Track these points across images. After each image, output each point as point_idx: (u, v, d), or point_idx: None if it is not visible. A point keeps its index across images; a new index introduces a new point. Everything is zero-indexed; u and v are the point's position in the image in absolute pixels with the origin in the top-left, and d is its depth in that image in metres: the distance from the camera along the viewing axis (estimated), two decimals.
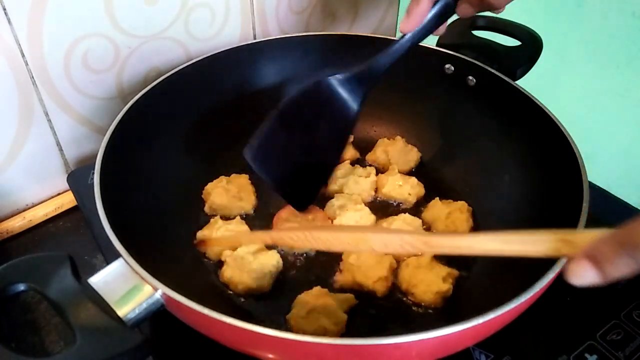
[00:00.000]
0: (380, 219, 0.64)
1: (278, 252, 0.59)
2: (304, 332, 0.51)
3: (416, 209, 0.67)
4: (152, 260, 0.46)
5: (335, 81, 0.59)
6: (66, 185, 0.71)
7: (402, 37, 0.57)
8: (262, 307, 0.56)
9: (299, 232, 0.45)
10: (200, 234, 0.61)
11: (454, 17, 0.73)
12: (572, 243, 0.33)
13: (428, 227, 0.63)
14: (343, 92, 0.59)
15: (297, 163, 0.61)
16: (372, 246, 0.42)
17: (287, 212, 0.64)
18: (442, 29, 0.59)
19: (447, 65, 0.71)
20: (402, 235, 0.41)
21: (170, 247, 0.59)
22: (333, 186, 0.68)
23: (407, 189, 0.67)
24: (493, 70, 0.67)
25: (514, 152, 0.65)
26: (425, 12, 0.55)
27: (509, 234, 0.36)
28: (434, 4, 0.55)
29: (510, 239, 0.36)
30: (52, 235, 0.69)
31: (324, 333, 0.50)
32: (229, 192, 0.65)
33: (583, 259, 0.32)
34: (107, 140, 0.56)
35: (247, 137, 0.74)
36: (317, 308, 0.52)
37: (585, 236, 0.33)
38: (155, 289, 0.44)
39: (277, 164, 0.60)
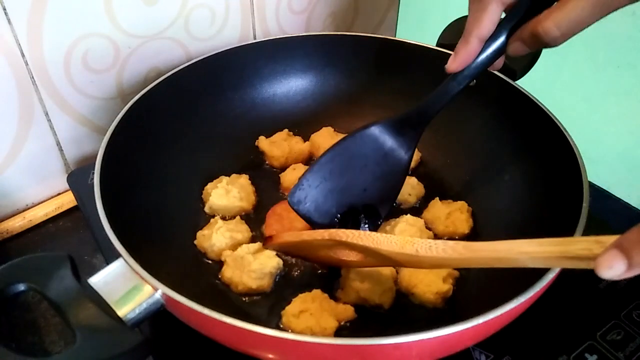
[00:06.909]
0: (382, 223, 0.63)
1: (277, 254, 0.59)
2: (292, 331, 0.51)
3: (416, 209, 0.67)
4: (152, 260, 0.46)
5: (384, 127, 0.58)
6: (66, 185, 0.71)
7: (452, 76, 0.53)
8: (262, 308, 0.56)
9: (354, 231, 0.47)
10: (200, 234, 0.61)
11: (453, 17, 0.73)
12: (604, 243, 0.33)
13: (428, 227, 0.63)
14: (392, 139, 0.59)
15: (343, 205, 0.59)
16: (417, 248, 0.43)
17: (281, 207, 0.63)
18: (498, 64, 0.53)
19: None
20: (444, 241, 0.43)
21: (170, 247, 0.59)
22: None
23: (407, 189, 0.67)
24: (493, 70, 0.67)
25: (514, 152, 0.65)
26: (474, 53, 0.50)
27: (544, 239, 0.37)
28: (486, 42, 0.50)
29: (544, 242, 0.36)
30: (52, 235, 0.69)
31: (310, 334, 0.50)
32: (229, 192, 0.65)
33: (612, 248, 0.32)
34: (107, 140, 0.56)
35: (246, 136, 0.74)
36: (310, 309, 0.52)
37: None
38: (155, 289, 0.44)
39: (322, 206, 0.58)
